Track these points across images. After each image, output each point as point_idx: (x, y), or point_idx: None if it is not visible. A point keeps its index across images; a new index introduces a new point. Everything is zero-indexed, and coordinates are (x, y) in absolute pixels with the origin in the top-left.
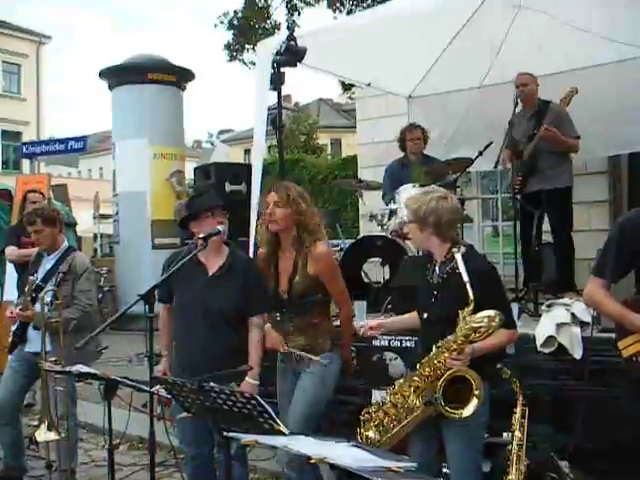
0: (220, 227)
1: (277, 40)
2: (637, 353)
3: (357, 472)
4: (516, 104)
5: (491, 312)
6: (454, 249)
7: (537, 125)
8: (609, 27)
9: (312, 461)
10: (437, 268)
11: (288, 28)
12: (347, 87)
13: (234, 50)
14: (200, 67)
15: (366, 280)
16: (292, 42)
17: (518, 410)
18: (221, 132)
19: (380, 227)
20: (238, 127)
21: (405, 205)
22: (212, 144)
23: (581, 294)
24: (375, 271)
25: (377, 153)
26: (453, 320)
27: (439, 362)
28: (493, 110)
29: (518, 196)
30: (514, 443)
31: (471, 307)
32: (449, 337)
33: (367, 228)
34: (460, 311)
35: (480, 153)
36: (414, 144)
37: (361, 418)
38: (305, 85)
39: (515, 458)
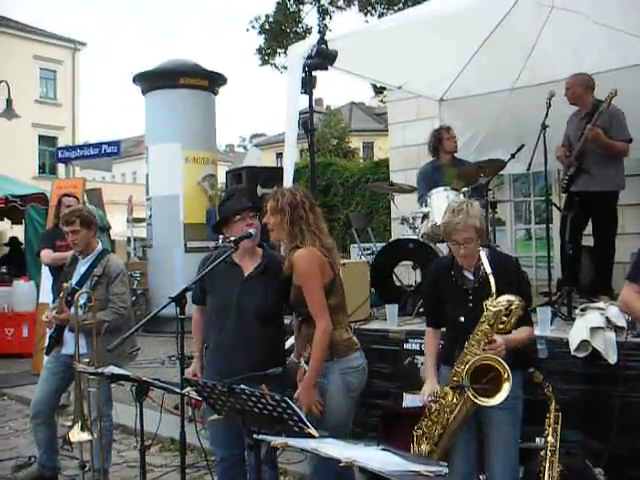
0: (251, 230)
1: (308, 44)
2: None
3: (386, 476)
4: (549, 106)
5: (510, 296)
6: (479, 248)
7: (587, 125)
8: None
9: (342, 464)
10: (467, 273)
11: (319, 32)
12: (379, 90)
13: (266, 54)
14: (232, 71)
15: (398, 283)
16: (323, 45)
17: (551, 415)
18: (253, 136)
19: (412, 230)
20: (270, 131)
21: (463, 221)
22: (245, 148)
23: (617, 298)
24: (407, 274)
25: (408, 156)
26: None
27: (470, 356)
28: (525, 112)
29: (552, 198)
30: (547, 449)
31: (493, 295)
32: (476, 330)
33: (399, 231)
34: (484, 302)
35: (512, 156)
36: (453, 142)
37: (414, 434)
38: (337, 89)
39: (548, 464)
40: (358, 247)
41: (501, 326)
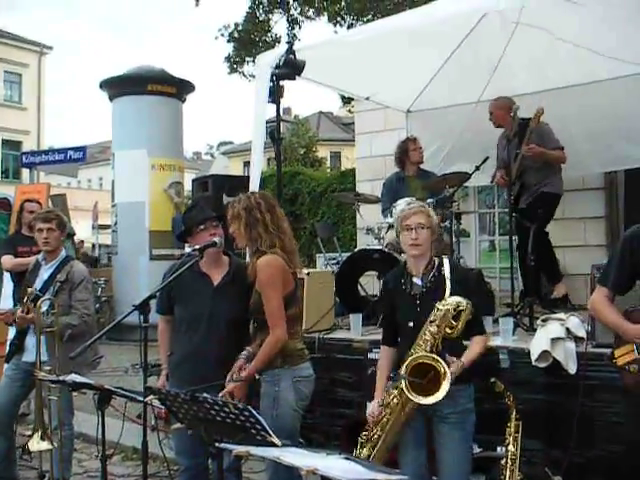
0: (215, 239)
1: (276, 53)
2: (629, 362)
3: None
4: (513, 119)
5: (459, 298)
6: (443, 256)
7: (519, 144)
8: (606, 44)
9: (303, 473)
10: (416, 279)
11: (288, 42)
12: (347, 100)
13: (234, 62)
14: (200, 79)
15: (362, 293)
16: (291, 55)
17: (512, 424)
18: (221, 144)
19: (377, 240)
20: (238, 139)
21: (414, 211)
22: (212, 156)
23: (577, 309)
24: (372, 284)
25: (375, 167)
26: None
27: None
28: (490, 125)
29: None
30: (508, 457)
31: (446, 297)
32: (423, 330)
33: (364, 241)
34: (435, 304)
35: (477, 168)
36: (419, 153)
37: (359, 440)
38: (306, 98)
39: (508, 472)
40: (324, 257)
41: (449, 331)
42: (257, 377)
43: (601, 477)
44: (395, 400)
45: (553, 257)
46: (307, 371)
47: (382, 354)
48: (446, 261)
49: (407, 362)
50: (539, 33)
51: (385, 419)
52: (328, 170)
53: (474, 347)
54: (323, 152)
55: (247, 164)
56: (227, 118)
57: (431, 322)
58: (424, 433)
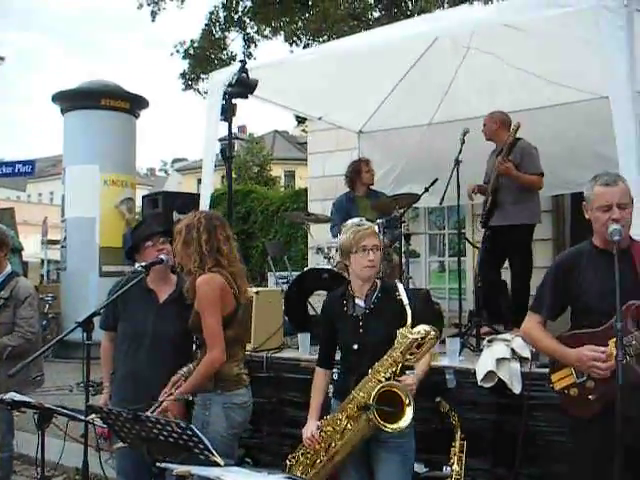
0: (162, 256)
1: (230, 71)
2: (567, 387)
3: None
4: (462, 142)
5: (426, 326)
6: (395, 280)
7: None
8: (554, 70)
9: None
10: (359, 301)
11: (241, 61)
12: (301, 120)
13: (189, 79)
14: (155, 95)
15: (312, 312)
16: (244, 74)
17: (457, 444)
18: (175, 161)
19: (327, 260)
20: (192, 156)
21: (369, 232)
22: (166, 172)
23: None
24: (321, 304)
25: (327, 186)
26: (386, 344)
27: (374, 383)
28: (441, 148)
29: (464, 231)
30: (452, 477)
31: (408, 325)
32: (385, 357)
33: (315, 261)
34: (398, 330)
35: (426, 189)
36: (370, 175)
37: (287, 463)
38: (261, 116)
39: None
40: (274, 275)
41: (410, 357)
42: (191, 398)
43: None
44: (349, 426)
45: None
46: (241, 398)
47: (317, 376)
48: (400, 285)
49: (375, 391)
50: (489, 58)
51: (334, 444)
52: (282, 189)
53: (421, 368)
54: (277, 171)
55: (201, 181)
56: (182, 135)
57: (395, 348)
58: (366, 455)
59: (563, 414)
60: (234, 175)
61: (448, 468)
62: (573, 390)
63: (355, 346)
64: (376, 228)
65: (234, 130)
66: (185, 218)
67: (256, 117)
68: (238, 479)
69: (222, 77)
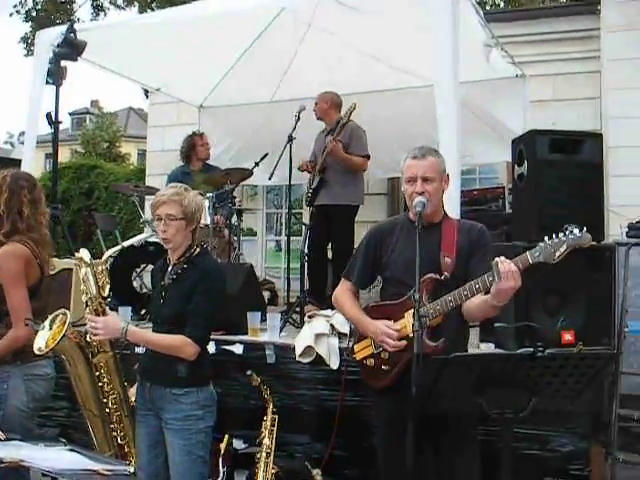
0: None
1: (58, 31)
2: (366, 357)
3: (55, 475)
4: (297, 119)
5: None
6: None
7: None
8: (393, 54)
9: (3, 465)
10: (169, 269)
11: (69, 20)
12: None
13: (32, 44)
14: None
15: (144, 290)
16: (72, 34)
17: (268, 418)
18: (22, 133)
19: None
20: (41, 129)
21: (163, 200)
22: (12, 145)
23: None
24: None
25: (166, 161)
26: (180, 321)
27: None
28: (282, 126)
29: (295, 211)
30: (263, 451)
31: None
32: None
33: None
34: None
35: (256, 164)
36: (206, 149)
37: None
38: (117, 93)
39: (263, 465)
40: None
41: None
42: None
43: (359, 470)
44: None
45: None
46: (43, 369)
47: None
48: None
49: None
50: (329, 37)
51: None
52: (132, 166)
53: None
54: (130, 148)
55: (49, 155)
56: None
57: None
58: (160, 433)
59: (363, 384)
60: (81, 150)
61: None
62: (370, 361)
63: (153, 316)
64: (206, 202)
65: (86, 105)
66: None
67: (112, 93)
68: (5, 451)
69: (50, 37)
